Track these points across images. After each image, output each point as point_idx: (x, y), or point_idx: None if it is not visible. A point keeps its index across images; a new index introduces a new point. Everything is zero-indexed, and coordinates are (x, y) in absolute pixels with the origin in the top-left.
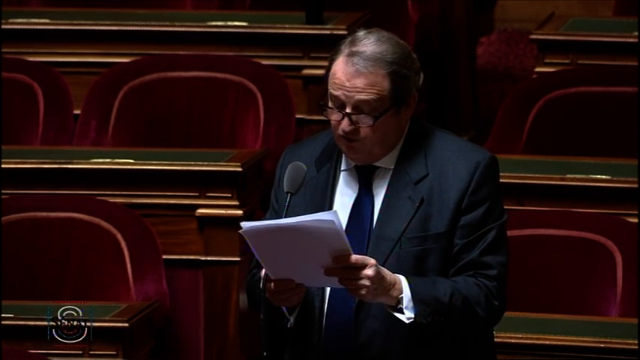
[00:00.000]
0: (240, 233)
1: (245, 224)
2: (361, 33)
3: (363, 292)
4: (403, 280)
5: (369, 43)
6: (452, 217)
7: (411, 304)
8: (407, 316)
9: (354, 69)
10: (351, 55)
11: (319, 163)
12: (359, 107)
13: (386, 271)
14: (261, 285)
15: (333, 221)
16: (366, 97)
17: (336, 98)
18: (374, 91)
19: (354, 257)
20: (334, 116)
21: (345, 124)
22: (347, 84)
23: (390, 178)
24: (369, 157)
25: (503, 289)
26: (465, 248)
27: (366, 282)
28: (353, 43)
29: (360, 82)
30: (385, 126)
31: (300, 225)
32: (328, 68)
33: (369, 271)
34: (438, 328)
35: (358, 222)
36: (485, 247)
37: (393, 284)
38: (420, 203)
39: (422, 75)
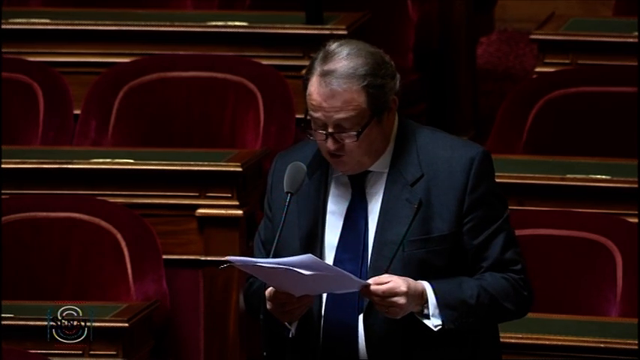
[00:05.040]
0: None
1: (230, 259)
2: (332, 47)
3: (397, 316)
4: (427, 287)
5: (340, 59)
6: (454, 218)
7: (437, 310)
8: (434, 322)
9: (329, 89)
10: (324, 74)
11: (310, 169)
12: (340, 125)
13: (413, 287)
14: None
15: (311, 268)
16: (345, 115)
17: (316, 119)
18: (351, 107)
19: (381, 290)
20: (318, 136)
21: (330, 144)
22: (324, 105)
23: (386, 181)
24: (359, 166)
25: (529, 279)
26: (482, 248)
27: (398, 309)
28: (325, 60)
29: (336, 102)
30: (370, 137)
31: (283, 266)
32: (304, 86)
33: (400, 300)
34: (467, 328)
35: (352, 228)
36: (503, 243)
37: (420, 295)
38: (418, 205)
39: (398, 77)
